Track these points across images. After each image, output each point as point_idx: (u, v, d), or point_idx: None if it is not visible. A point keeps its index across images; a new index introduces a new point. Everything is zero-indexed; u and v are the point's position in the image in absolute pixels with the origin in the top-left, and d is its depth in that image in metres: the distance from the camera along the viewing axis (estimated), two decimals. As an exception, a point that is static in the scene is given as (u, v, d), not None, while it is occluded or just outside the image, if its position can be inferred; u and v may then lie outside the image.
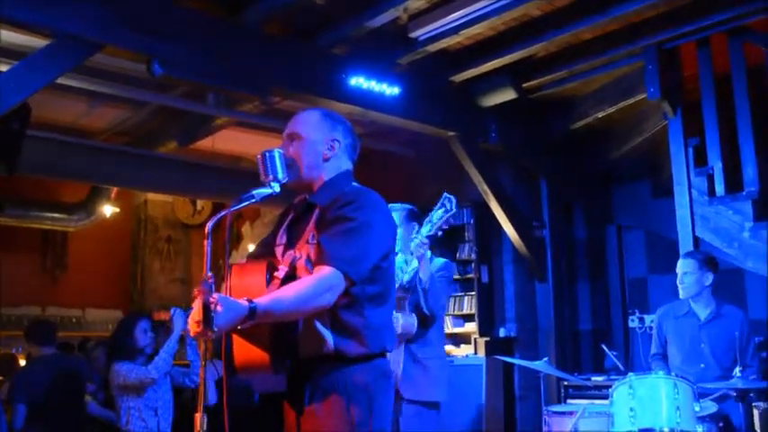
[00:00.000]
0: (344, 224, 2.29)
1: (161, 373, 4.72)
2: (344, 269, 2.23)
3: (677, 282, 4.66)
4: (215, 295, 2.00)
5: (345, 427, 2.25)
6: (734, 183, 5.77)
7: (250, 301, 2.08)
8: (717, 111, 5.87)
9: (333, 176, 2.49)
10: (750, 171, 5.63)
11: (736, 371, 3.94)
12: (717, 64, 5.88)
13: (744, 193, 5.64)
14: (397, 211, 3.95)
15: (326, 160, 2.49)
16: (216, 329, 1.98)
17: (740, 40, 5.75)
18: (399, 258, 3.78)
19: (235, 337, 2.22)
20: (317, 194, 2.47)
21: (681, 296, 4.65)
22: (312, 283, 2.21)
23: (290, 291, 2.19)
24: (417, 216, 4.05)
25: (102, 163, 8.05)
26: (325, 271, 2.22)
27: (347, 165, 2.56)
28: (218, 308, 1.99)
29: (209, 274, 2.03)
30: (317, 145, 2.48)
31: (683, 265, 4.64)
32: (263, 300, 2.12)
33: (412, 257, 3.77)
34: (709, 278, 4.56)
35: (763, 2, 5.33)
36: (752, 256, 5.50)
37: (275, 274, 2.34)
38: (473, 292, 7.84)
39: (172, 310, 4.83)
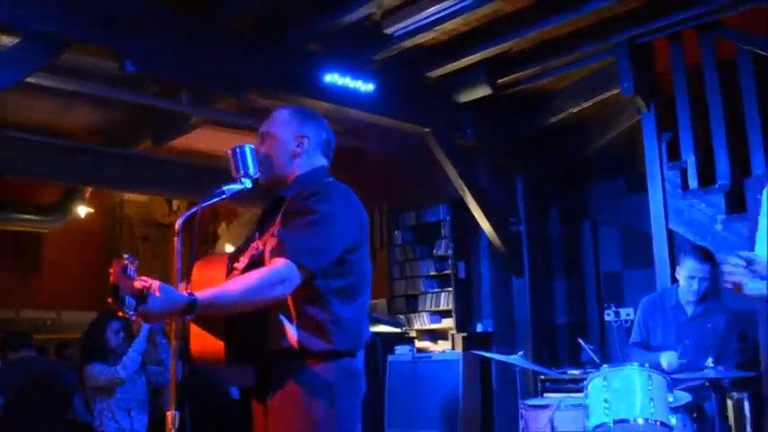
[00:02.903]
0: (305, 216, 2.24)
1: (129, 372, 4.68)
2: (299, 260, 2.16)
3: (686, 283, 4.47)
4: (155, 281, 1.95)
5: (305, 425, 2.18)
6: (707, 176, 5.82)
7: (191, 293, 2.03)
8: (690, 105, 5.91)
9: (306, 171, 2.47)
10: (722, 164, 5.68)
11: (709, 361, 3.96)
12: (689, 59, 5.93)
13: (716, 186, 5.69)
14: None
15: (296, 156, 2.47)
16: (140, 312, 1.90)
17: (711, 34, 5.80)
18: None
19: (191, 327, 2.19)
20: (287, 189, 2.44)
21: (691, 298, 4.48)
22: (262, 275, 2.15)
23: (238, 283, 2.14)
24: None
25: (77, 163, 7.97)
26: (278, 263, 2.16)
27: (321, 161, 2.53)
28: (157, 293, 1.93)
29: (126, 255, 1.93)
30: (285, 142, 2.47)
31: (700, 271, 4.42)
32: (206, 292, 2.06)
33: None
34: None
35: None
36: (724, 248, 5.53)
37: (235, 265, 2.31)
38: (450, 289, 7.86)
39: None
